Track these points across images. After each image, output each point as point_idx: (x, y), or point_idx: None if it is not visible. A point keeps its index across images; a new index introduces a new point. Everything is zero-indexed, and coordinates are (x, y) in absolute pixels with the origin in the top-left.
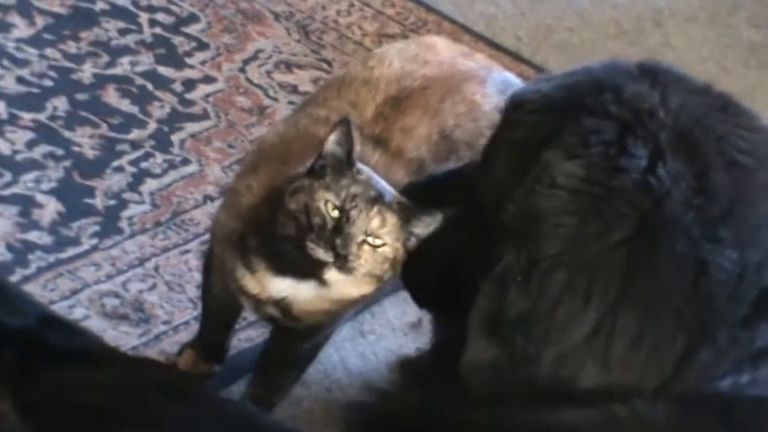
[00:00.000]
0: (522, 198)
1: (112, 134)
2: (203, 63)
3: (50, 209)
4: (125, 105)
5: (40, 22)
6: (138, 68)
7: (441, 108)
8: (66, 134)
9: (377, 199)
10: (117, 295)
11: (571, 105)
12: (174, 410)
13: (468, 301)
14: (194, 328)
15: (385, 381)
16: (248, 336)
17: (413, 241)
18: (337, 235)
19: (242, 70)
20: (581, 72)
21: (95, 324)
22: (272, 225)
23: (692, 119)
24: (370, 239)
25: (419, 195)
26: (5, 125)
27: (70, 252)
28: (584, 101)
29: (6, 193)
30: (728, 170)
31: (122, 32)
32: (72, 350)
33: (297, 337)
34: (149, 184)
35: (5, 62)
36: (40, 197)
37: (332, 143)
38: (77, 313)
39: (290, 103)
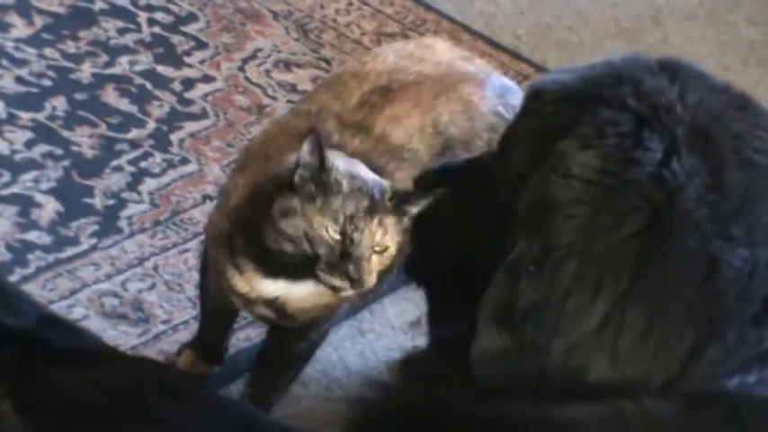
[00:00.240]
0: (536, 187)
1: (111, 134)
2: (202, 62)
3: (49, 208)
4: (124, 105)
5: (39, 21)
6: (137, 68)
7: (435, 104)
8: (65, 134)
9: (372, 208)
10: (116, 295)
11: (589, 96)
12: (174, 410)
13: (480, 290)
14: (193, 327)
15: (386, 377)
16: (247, 335)
17: (407, 222)
18: (347, 261)
19: (241, 69)
20: (602, 64)
21: (94, 324)
22: (256, 225)
23: (709, 116)
24: (377, 249)
25: (435, 182)
26: (4, 125)
27: (69, 252)
28: (602, 93)
29: (5, 192)
30: (743, 168)
31: (121, 32)
32: (71, 350)
33: (293, 336)
34: (148, 184)
35: (4, 62)
36: (39, 197)
37: (306, 153)
38: (76, 313)
39: (289, 101)
